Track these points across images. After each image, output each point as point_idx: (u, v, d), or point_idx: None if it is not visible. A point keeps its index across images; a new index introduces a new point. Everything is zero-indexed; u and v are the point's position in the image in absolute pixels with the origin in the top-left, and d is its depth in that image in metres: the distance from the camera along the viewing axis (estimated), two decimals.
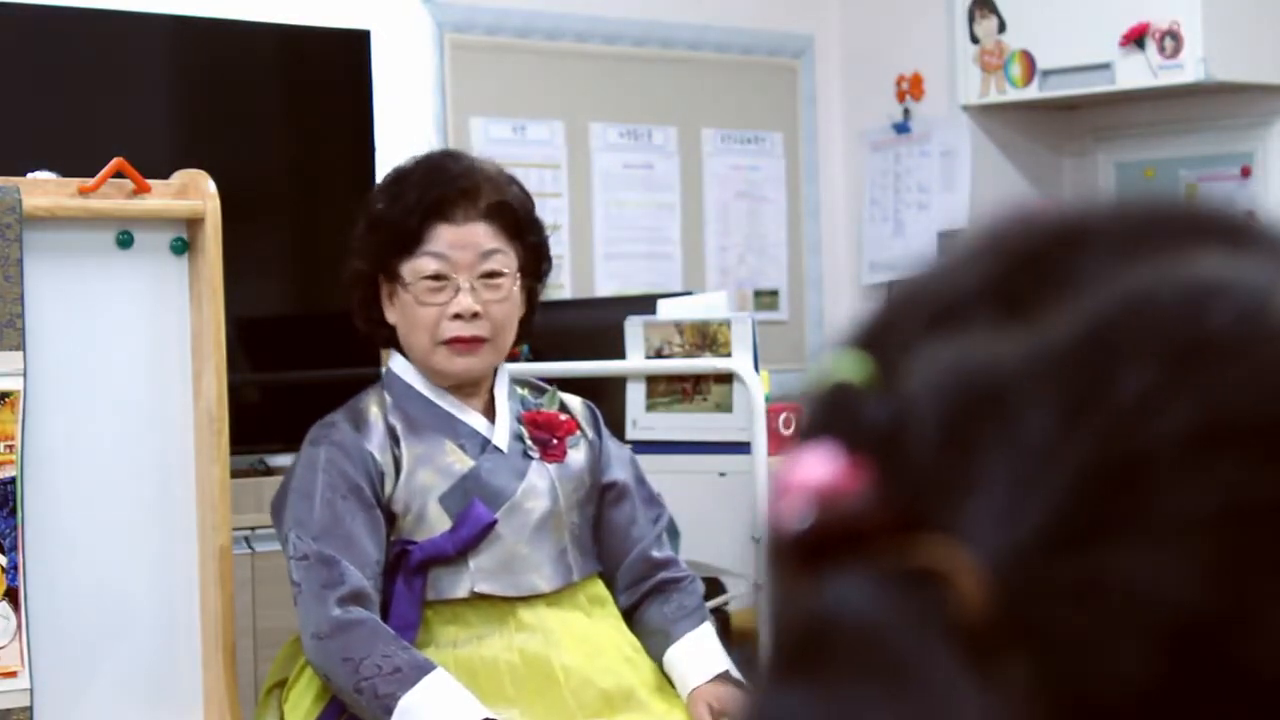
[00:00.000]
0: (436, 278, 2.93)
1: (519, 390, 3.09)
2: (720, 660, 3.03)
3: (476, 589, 2.91)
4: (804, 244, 5.62)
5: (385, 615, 2.87)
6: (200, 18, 4.31)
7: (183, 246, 3.04)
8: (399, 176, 3.00)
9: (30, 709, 2.85)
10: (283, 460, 3.92)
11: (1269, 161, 5.19)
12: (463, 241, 2.94)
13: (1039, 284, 0.61)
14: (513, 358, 3.28)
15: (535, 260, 3.03)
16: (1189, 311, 0.59)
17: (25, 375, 2.85)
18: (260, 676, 3.41)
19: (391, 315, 2.98)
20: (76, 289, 2.95)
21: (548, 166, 5.09)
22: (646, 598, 3.07)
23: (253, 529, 3.91)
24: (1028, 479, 0.58)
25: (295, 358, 4.38)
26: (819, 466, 0.60)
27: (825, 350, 0.64)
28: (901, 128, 5.57)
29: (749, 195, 5.50)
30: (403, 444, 2.94)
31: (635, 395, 3.91)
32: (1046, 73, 5.21)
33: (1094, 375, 0.58)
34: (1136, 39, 4.99)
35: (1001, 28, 5.29)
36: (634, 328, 3.89)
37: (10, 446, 2.84)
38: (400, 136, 4.54)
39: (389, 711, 2.75)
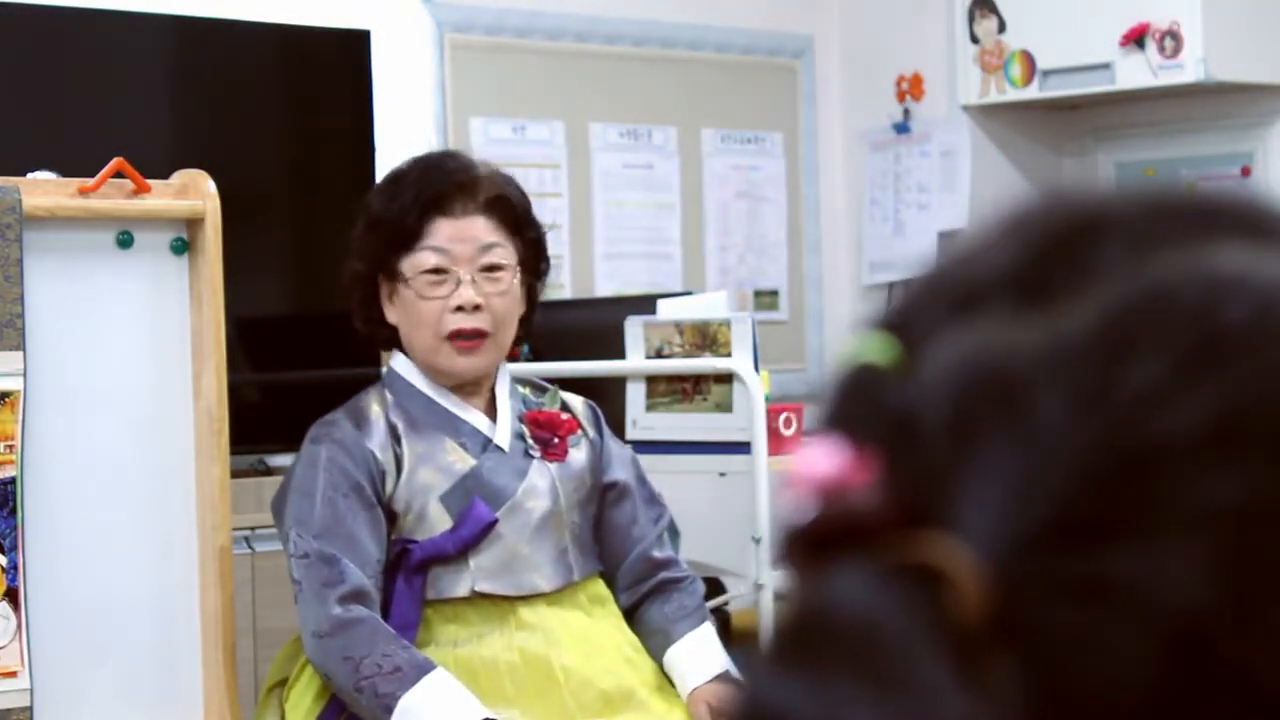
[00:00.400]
0: (437, 271, 2.93)
1: (520, 389, 3.09)
2: (720, 660, 3.03)
3: (477, 588, 2.91)
4: (804, 244, 5.62)
5: (385, 614, 2.87)
6: (200, 18, 4.31)
7: (183, 246, 3.04)
8: (395, 177, 3.01)
9: (30, 709, 2.85)
10: (283, 460, 3.92)
11: (1269, 161, 5.19)
12: (462, 235, 2.94)
13: (1057, 274, 0.60)
14: (513, 358, 3.28)
15: (534, 256, 3.03)
16: (1206, 306, 0.58)
17: (25, 375, 2.85)
18: (260, 676, 3.41)
19: (392, 315, 2.98)
20: (76, 289, 2.95)
21: (548, 166, 5.09)
22: (647, 597, 3.07)
23: (253, 529, 3.91)
24: (1034, 472, 0.57)
25: (295, 358, 4.37)
26: (827, 459, 0.60)
27: (852, 331, 0.64)
28: (901, 128, 5.57)
29: (749, 195, 5.50)
30: (404, 442, 2.94)
31: (635, 395, 3.91)
32: (1046, 73, 5.21)
33: (1107, 367, 0.58)
34: (1136, 39, 4.99)
35: (1001, 28, 5.29)
36: (634, 328, 3.89)
37: (10, 446, 2.84)
38: (400, 136, 4.54)
39: (389, 711, 2.75)
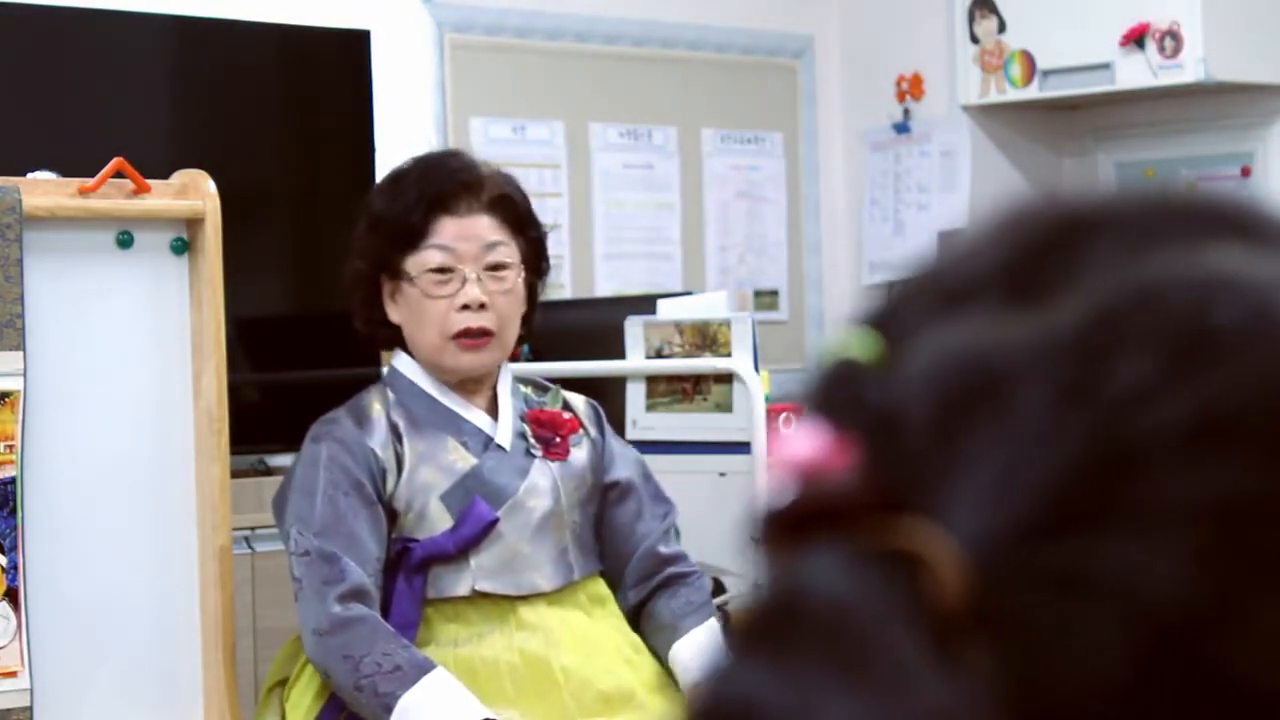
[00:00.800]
0: (442, 270, 2.93)
1: (522, 389, 3.09)
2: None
3: (477, 587, 2.91)
4: (804, 244, 5.62)
5: (386, 613, 2.87)
6: (200, 18, 4.31)
7: (183, 246, 3.04)
8: (397, 176, 3.01)
9: (30, 709, 2.85)
10: (283, 460, 3.92)
11: (1269, 161, 5.19)
12: (467, 233, 2.94)
13: (1048, 271, 0.60)
14: (513, 358, 3.28)
15: (536, 255, 3.03)
16: (1195, 304, 0.58)
17: (25, 375, 2.85)
18: (260, 676, 3.41)
19: (395, 314, 2.98)
20: (76, 289, 2.95)
21: (548, 166, 5.09)
22: (655, 592, 3.07)
23: (253, 529, 3.91)
24: (1017, 464, 0.57)
25: (295, 358, 4.37)
26: (808, 442, 0.60)
27: (840, 328, 0.64)
28: (901, 128, 5.57)
29: (749, 195, 5.50)
30: (405, 441, 2.94)
31: (635, 395, 3.91)
32: (1046, 73, 5.21)
33: (1093, 363, 0.58)
34: (1136, 39, 4.99)
35: (1001, 28, 5.29)
36: (634, 328, 3.89)
37: (10, 446, 2.84)
38: (400, 136, 4.54)
39: (388, 710, 2.75)
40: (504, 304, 2.96)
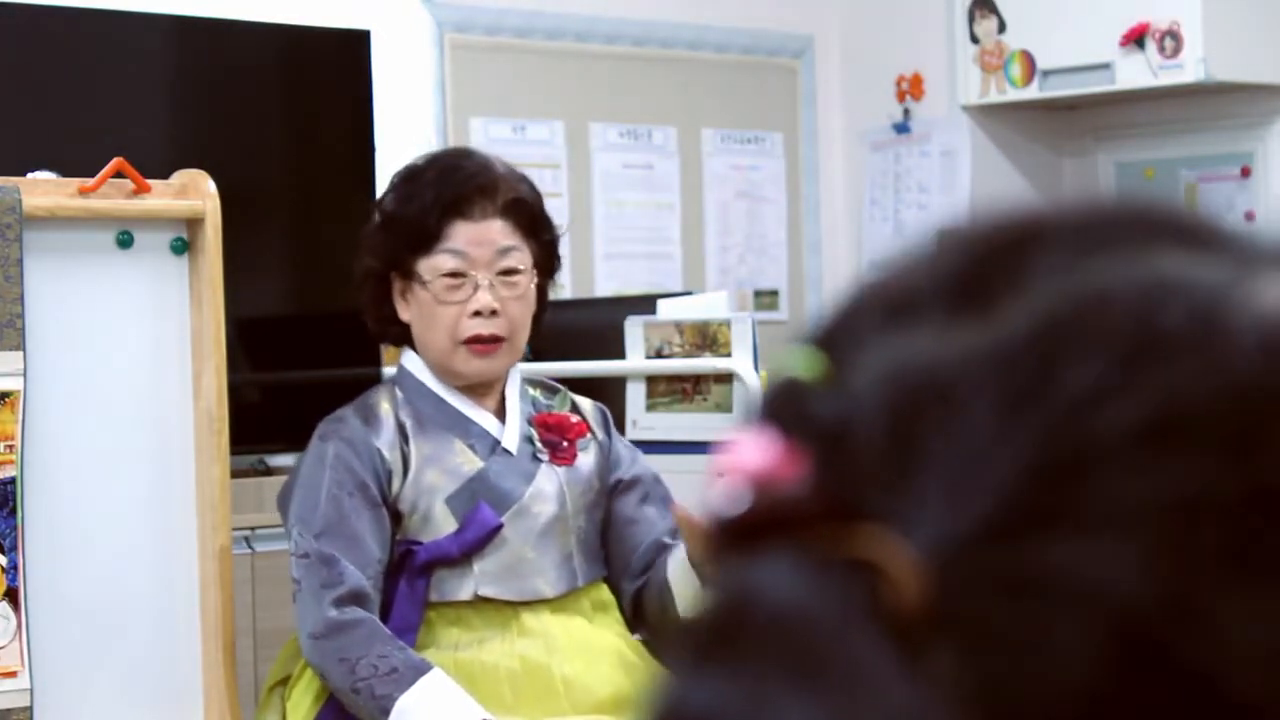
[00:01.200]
0: (455, 275, 2.92)
1: (530, 391, 3.08)
2: None
3: (480, 592, 2.91)
4: (804, 244, 5.62)
5: (386, 615, 2.86)
6: (200, 18, 4.31)
7: (183, 246, 3.04)
8: (411, 174, 2.97)
9: (30, 709, 2.85)
10: (283, 460, 3.92)
11: (1269, 161, 5.19)
12: (480, 238, 2.93)
13: (993, 281, 0.60)
14: None
15: (548, 258, 3.02)
16: (1141, 308, 0.58)
17: (25, 375, 2.85)
18: (260, 676, 3.41)
19: (405, 313, 2.97)
20: (76, 289, 2.95)
21: (548, 166, 5.09)
22: (654, 563, 3.01)
23: (253, 529, 3.91)
24: (969, 470, 0.57)
25: (295, 358, 4.37)
26: (757, 452, 0.60)
27: (784, 347, 0.64)
28: (901, 128, 5.57)
29: (749, 195, 5.50)
30: (412, 442, 2.93)
31: (635, 395, 3.91)
32: (1046, 73, 5.21)
33: (1041, 369, 0.58)
34: (1136, 39, 4.99)
35: (1001, 28, 5.29)
36: (634, 328, 3.89)
37: (10, 446, 2.84)
38: (400, 136, 4.54)
39: (386, 712, 2.74)
40: (515, 309, 2.95)
